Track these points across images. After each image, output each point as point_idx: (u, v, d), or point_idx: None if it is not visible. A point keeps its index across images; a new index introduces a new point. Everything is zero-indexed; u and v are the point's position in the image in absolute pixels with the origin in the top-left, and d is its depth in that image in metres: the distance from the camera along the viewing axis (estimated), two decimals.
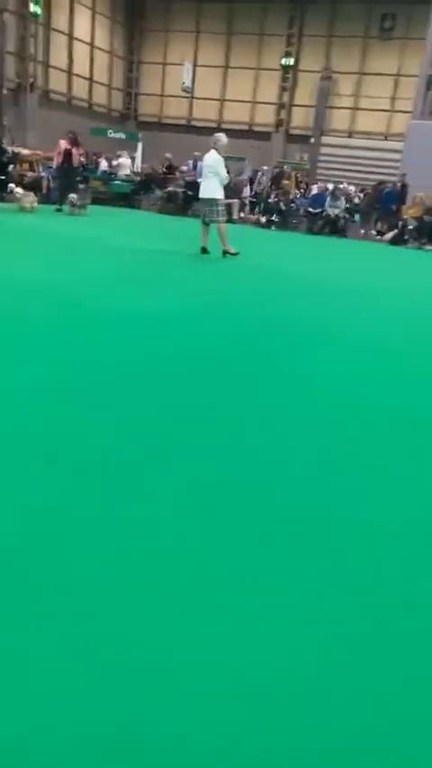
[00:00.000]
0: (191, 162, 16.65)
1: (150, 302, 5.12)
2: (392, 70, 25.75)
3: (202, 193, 8.41)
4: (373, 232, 15.26)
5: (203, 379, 3.27)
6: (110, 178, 17.14)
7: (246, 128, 28.30)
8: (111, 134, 23.24)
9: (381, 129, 26.33)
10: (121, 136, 23.63)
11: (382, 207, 15.28)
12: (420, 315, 6.13)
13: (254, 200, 16.98)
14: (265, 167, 19.95)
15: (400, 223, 14.43)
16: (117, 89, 29.73)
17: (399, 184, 15.70)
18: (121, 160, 17.84)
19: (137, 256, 7.92)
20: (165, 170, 17.34)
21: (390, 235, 14.39)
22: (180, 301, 5.31)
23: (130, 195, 16.82)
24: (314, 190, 16.35)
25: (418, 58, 20.04)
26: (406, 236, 14.11)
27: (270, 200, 15.64)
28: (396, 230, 14.37)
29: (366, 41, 26.08)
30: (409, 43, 24.77)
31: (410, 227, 14.04)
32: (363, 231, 15.24)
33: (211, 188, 8.25)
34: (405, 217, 14.32)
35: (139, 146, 21.71)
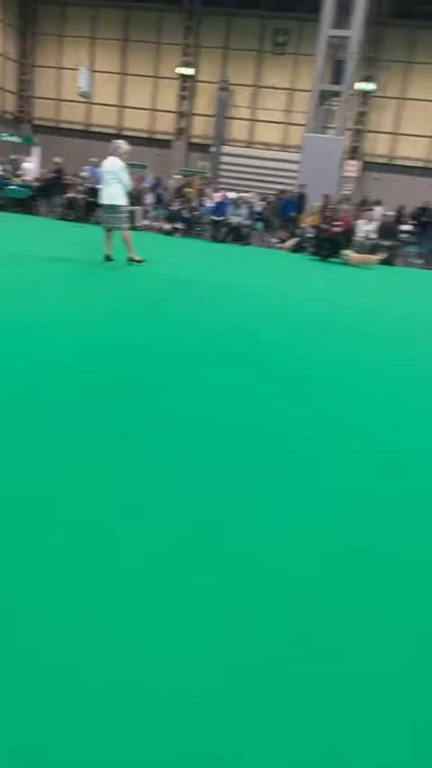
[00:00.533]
0: (87, 168, 16.23)
1: (45, 311, 4.90)
2: (286, 84, 26.66)
3: (104, 200, 8.22)
4: (275, 240, 15.64)
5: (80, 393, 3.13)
6: (4, 183, 16.40)
7: (146, 135, 28.24)
8: (4, 137, 22.35)
9: (278, 140, 27.16)
10: (16, 139, 22.79)
11: (282, 215, 15.72)
12: (312, 313, 6.31)
13: (156, 206, 16.90)
14: (173, 178, 19.97)
15: (298, 231, 14.89)
16: (10, 92, 28.68)
17: (296, 194, 16.23)
18: (26, 165, 17.12)
19: (35, 265, 7.59)
20: (54, 174, 16.59)
21: (290, 243, 14.81)
22: (78, 309, 5.13)
23: (27, 201, 16.18)
24: (216, 198, 16.51)
25: (310, 73, 20.85)
26: (305, 244, 14.58)
27: (173, 208, 15.65)
28: (297, 238, 14.81)
29: (261, 55, 26.84)
30: (300, 59, 25.77)
31: (308, 235, 14.52)
32: (269, 239, 15.60)
33: (114, 194, 8.09)
34: (303, 225, 14.80)
35: (36, 150, 21.02)
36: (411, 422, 3.35)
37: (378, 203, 16.18)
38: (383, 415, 3.39)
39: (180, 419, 2.91)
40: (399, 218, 15.70)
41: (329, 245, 13.04)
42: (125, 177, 8.12)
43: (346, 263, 12.52)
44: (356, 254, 12.72)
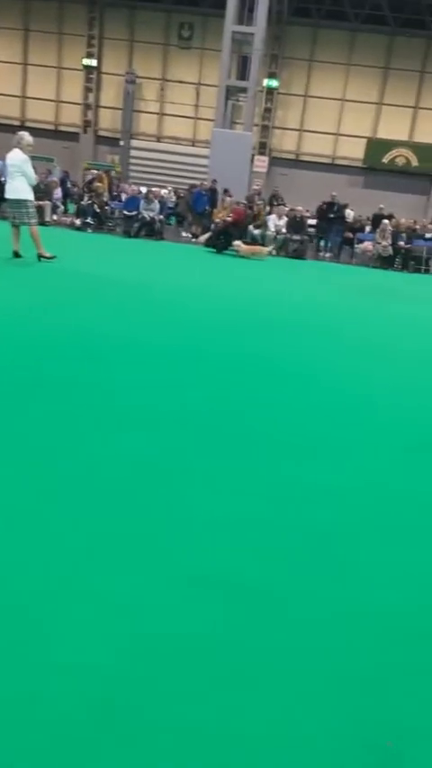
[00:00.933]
0: None
1: None
2: (194, 79, 26.72)
3: (9, 194, 7.91)
4: (188, 234, 15.64)
5: None
6: None
7: (52, 127, 27.45)
8: None
9: (188, 134, 27.20)
10: None
11: (195, 210, 15.73)
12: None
13: (65, 201, 16.45)
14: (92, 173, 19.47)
15: (212, 226, 14.98)
16: None
17: (208, 188, 16.30)
18: None
19: None
20: None
21: (203, 237, 14.86)
22: None
23: None
24: (130, 192, 16.29)
25: (217, 68, 20.98)
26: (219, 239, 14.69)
27: (83, 203, 15.28)
28: (210, 233, 14.88)
29: (167, 49, 26.73)
30: (207, 53, 25.90)
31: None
32: (184, 234, 15.55)
33: (19, 188, 7.80)
34: (216, 220, 14.90)
35: None
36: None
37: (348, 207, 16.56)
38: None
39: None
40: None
41: (223, 237, 13.11)
42: (29, 170, 7.85)
43: (237, 255, 12.62)
44: (246, 246, 12.83)
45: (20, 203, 7.83)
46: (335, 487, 2.56)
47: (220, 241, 13.19)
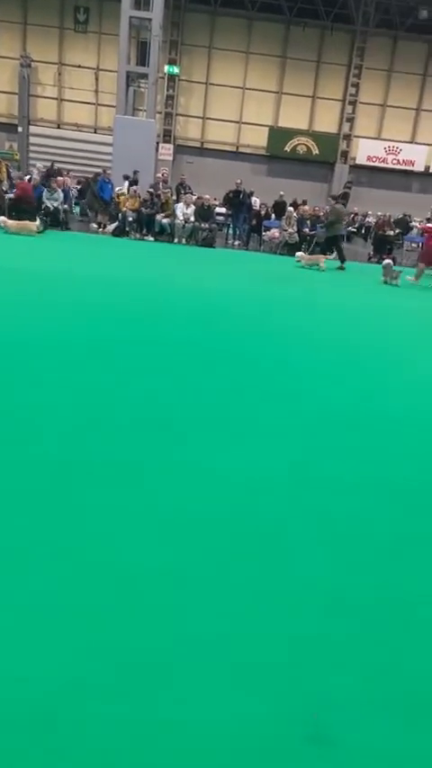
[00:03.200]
0: None
1: None
2: (92, 64, 26.02)
3: None
4: (95, 225, 15.31)
5: None
6: None
7: None
8: None
9: (89, 121, 26.51)
10: None
11: (101, 199, 15.40)
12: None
13: None
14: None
15: (120, 215, 14.74)
16: None
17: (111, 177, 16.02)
18: None
19: None
20: None
21: (111, 227, 14.60)
22: None
23: None
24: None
25: (116, 53, 20.53)
26: (127, 228, 14.48)
27: None
28: (117, 222, 14.64)
29: (63, 32, 25.84)
30: (104, 38, 25.29)
31: (130, 218, 14.45)
32: (93, 225, 15.15)
33: None
34: (124, 209, 14.67)
35: None
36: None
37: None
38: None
39: None
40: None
41: (14, 213, 12.66)
42: None
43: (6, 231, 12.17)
44: (12, 221, 12.35)
45: None
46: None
47: (12, 217, 12.63)
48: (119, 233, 14.44)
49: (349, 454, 3.00)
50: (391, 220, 17.32)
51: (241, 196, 15.98)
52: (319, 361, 4.89)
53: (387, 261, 11.90)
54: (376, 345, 5.79)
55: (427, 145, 26.75)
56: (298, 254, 13.38)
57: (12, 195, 13.71)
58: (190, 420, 3.18)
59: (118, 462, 2.59)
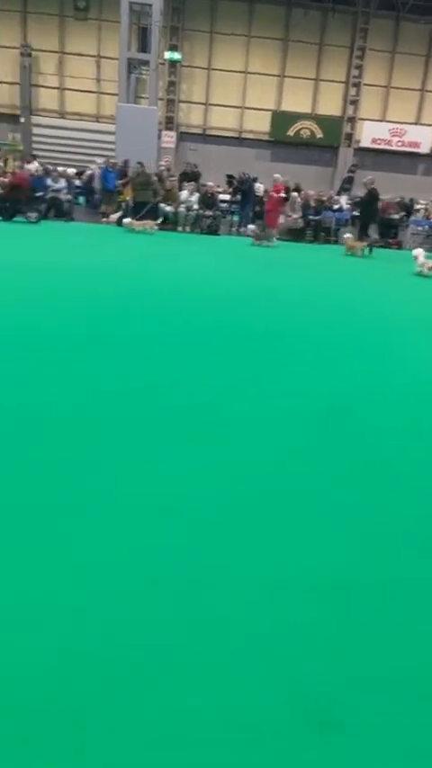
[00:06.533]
0: None
1: None
2: (93, 51, 25.84)
3: None
4: (101, 215, 15.32)
5: None
6: None
7: None
8: None
9: (92, 110, 26.37)
10: None
11: (105, 188, 15.41)
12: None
13: None
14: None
15: (123, 204, 14.75)
16: None
17: (119, 166, 16.01)
18: None
19: None
20: None
21: (115, 216, 14.62)
22: None
23: None
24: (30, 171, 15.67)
25: (117, 40, 20.39)
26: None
27: None
28: (120, 212, 14.65)
29: (63, 20, 25.65)
30: (105, 25, 25.09)
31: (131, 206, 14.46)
32: (101, 214, 15.18)
33: None
34: (126, 198, 14.68)
35: None
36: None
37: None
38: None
39: None
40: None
41: (8, 203, 12.73)
42: None
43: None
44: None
45: None
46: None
47: (5, 207, 12.68)
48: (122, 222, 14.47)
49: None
50: (396, 202, 17.24)
51: (247, 184, 15.92)
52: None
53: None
54: None
55: None
56: (346, 235, 13.44)
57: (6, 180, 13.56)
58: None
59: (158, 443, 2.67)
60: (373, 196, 13.81)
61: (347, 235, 13.51)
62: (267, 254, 11.60)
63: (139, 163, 14.46)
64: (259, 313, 5.94)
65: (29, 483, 2.25)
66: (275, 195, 14.38)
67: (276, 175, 14.82)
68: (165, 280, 7.40)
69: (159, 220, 13.45)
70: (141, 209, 13.38)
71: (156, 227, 13.06)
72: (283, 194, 14.61)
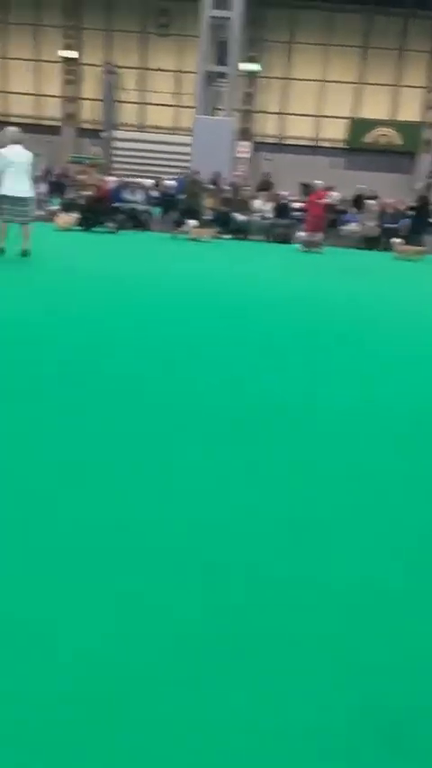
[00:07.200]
0: None
1: None
2: (173, 66, 26.55)
3: (24, 192, 7.68)
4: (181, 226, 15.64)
5: None
6: None
7: (33, 121, 27.24)
8: None
9: (170, 123, 27.07)
10: None
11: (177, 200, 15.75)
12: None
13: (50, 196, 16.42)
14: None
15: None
16: None
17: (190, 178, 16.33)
18: None
19: None
20: None
21: (192, 225, 14.90)
22: None
23: None
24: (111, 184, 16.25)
25: (195, 54, 20.89)
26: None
27: (68, 196, 15.23)
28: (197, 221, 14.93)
29: (145, 37, 26.53)
30: (185, 40, 25.73)
31: (209, 218, 14.71)
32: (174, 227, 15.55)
33: (30, 186, 7.79)
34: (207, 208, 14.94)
35: None
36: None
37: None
38: None
39: None
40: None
41: (91, 214, 13.00)
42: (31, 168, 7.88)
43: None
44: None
45: (29, 201, 7.84)
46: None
47: (89, 217, 13.01)
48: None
49: None
50: None
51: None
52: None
53: None
54: None
55: None
56: (396, 240, 13.23)
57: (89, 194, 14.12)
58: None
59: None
60: (424, 201, 13.50)
61: (397, 240, 13.21)
62: (335, 262, 11.47)
63: (194, 171, 14.68)
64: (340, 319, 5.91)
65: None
66: (319, 202, 13.93)
67: (317, 182, 14.64)
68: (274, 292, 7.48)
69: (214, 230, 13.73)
70: (190, 217, 13.59)
71: (210, 236, 13.23)
72: (326, 200, 14.38)
